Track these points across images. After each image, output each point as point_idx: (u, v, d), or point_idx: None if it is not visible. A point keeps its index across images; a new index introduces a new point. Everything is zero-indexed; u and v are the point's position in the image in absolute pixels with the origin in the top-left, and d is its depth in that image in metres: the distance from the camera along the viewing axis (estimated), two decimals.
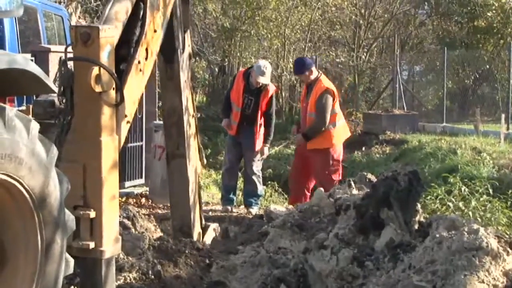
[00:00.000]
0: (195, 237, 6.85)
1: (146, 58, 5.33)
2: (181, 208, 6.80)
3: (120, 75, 4.97)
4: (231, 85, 10.00)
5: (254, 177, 9.89)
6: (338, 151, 9.18)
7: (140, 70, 5.23)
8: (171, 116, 6.60)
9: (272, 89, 9.84)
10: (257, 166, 9.93)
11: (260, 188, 10.10)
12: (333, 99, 9.04)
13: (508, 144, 16.06)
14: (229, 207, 9.93)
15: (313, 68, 9.20)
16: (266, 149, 9.97)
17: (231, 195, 10.10)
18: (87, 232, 4.71)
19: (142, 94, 8.41)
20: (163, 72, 6.46)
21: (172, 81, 6.47)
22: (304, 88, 9.55)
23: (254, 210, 9.81)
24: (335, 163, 9.10)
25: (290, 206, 9.35)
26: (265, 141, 9.85)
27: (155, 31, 5.46)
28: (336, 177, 9.08)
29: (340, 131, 9.21)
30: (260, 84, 9.55)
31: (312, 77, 9.12)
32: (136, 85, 5.21)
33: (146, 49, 5.32)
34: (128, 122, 5.14)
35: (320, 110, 8.93)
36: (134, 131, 10.39)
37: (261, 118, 9.71)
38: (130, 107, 5.14)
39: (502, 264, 5.10)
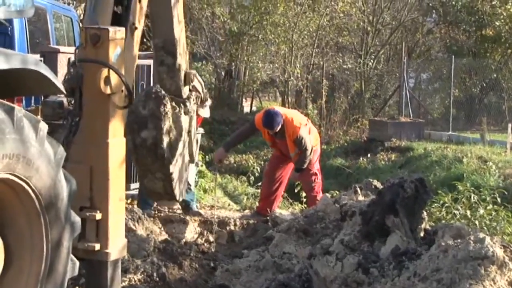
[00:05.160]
0: (181, 61, 6.13)
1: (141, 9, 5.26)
2: (163, 24, 6.05)
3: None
4: None
5: None
6: (317, 155, 9.24)
7: (136, 28, 5.18)
8: None
9: None
10: None
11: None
12: (305, 125, 8.99)
13: None
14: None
15: (281, 120, 8.83)
16: None
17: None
18: (93, 233, 4.72)
19: None
20: None
21: None
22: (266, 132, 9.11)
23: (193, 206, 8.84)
24: (315, 166, 9.17)
25: (295, 211, 9.36)
26: None
27: None
28: (318, 173, 9.18)
29: (313, 139, 9.16)
30: None
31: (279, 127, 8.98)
32: (132, 49, 5.17)
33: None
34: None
35: (304, 146, 8.85)
36: None
37: None
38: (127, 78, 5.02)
39: (507, 274, 5.09)
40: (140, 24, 5.30)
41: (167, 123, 5.56)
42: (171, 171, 5.72)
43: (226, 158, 9.57)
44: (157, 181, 5.79)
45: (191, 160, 6.35)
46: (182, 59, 6.07)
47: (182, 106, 5.90)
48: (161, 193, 6.01)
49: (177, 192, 5.97)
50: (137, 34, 5.26)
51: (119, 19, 5.10)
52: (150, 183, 5.85)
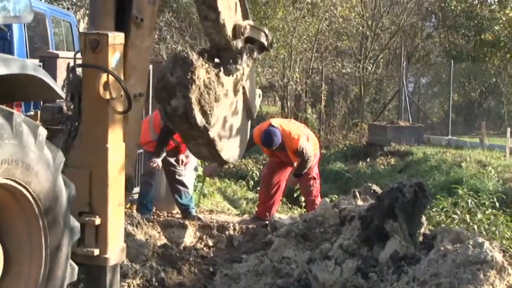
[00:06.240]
0: (226, 14, 5.77)
1: None
2: None
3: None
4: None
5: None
6: (315, 161, 9.27)
7: (142, 20, 5.04)
8: None
9: None
10: None
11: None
12: (303, 134, 9.01)
13: None
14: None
15: (280, 138, 8.89)
16: None
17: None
18: (92, 238, 4.70)
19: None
20: None
21: None
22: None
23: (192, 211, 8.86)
24: (314, 170, 9.25)
25: (294, 215, 9.36)
26: None
27: None
28: (316, 177, 9.27)
29: (312, 146, 9.19)
30: None
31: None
32: (140, 43, 5.03)
33: None
34: (141, 94, 5.03)
35: (306, 156, 8.88)
36: None
37: None
38: (139, 78, 4.96)
39: (506, 278, 5.10)
40: (146, 15, 5.08)
41: (196, 91, 5.26)
42: (211, 136, 5.46)
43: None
44: (201, 146, 5.57)
45: (250, 116, 6.08)
46: (229, 12, 5.73)
47: (222, 68, 5.56)
48: (208, 157, 5.83)
49: (226, 155, 5.70)
50: (146, 26, 5.07)
51: (122, 14, 4.99)
52: (194, 148, 5.65)
